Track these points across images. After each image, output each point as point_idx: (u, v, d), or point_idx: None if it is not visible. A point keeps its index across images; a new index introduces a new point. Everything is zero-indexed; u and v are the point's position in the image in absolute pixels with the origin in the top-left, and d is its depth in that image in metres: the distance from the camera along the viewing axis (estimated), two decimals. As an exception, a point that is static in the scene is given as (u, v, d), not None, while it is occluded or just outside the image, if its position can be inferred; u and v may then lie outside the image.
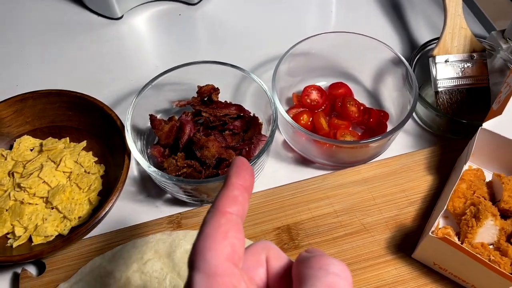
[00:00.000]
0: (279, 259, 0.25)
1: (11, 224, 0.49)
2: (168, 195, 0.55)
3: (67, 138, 0.56)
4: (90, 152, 0.55)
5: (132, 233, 0.50)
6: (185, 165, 0.51)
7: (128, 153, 0.50)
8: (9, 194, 0.50)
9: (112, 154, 0.55)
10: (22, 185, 0.50)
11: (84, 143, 0.55)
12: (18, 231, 0.49)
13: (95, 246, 0.49)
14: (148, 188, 0.56)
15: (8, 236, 0.49)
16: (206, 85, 0.57)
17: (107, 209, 0.47)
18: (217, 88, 0.57)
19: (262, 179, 0.56)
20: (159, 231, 0.50)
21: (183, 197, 0.53)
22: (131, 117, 0.51)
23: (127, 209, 0.54)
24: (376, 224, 0.50)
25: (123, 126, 0.52)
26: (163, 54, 0.71)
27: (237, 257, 0.23)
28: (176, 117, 0.57)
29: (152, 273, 0.47)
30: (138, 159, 0.48)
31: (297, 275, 0.23)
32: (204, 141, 0.52)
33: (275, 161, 0.58)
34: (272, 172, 0.57)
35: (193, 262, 0.22)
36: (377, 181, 0.53)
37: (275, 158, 0.58)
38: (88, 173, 0.53)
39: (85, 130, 0.56)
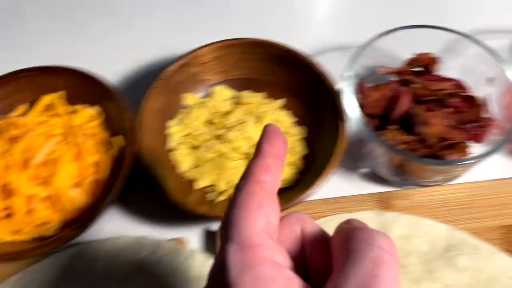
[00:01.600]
0: (314, 231, 0.23)
1: (213, 177, 0.46)
2: (364, 170, 0.50)
3: (265, 93, 0.52)
4: (289, 112, 0.51)
5: (336, 206, 0.46)
6: (405, 140, 0.45)
7: (342, 119, 0.46)
8: (210, 144, 0.48)
9: (314, 116, 0.50)
10: (224, 137, 0.47)
11: (283, 101, 0.51)
12: (220, 186, 0.46)
13: (297, 213, 0.46)
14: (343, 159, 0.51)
15: (207, 190, 0.47)
16: (425, 53, 0.50)
17: (325, 178, 0.43)
18: (437, 57, 0.50)
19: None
20: (366, 208, 0.46)
21: (385, 174, 0.48)
22: (351, 75, 0.46)
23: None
24: None
25: (331, 87, 0.48)
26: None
27: (272, 229, 0.21)
28: (383, 85, 0.51)
29: (363, 253, 0.43)
30: (359, 125, 0.44)
31: (338, 249, 0.21)
32: (428, 116, 0.46)
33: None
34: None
35: (226, 232, 0.21)
36: None
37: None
38: (288, 133, 0.49)
39: (285, 87, 0.52)
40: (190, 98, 0.51)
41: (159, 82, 0.48)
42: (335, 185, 0.49)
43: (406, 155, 0.43)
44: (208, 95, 0.52)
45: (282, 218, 0.24)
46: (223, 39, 0.51)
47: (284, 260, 0.21)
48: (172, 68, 0.49)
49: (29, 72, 0.49)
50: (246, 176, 0.23)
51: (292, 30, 0.62)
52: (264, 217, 0.21)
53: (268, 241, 0.21)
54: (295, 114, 0.51)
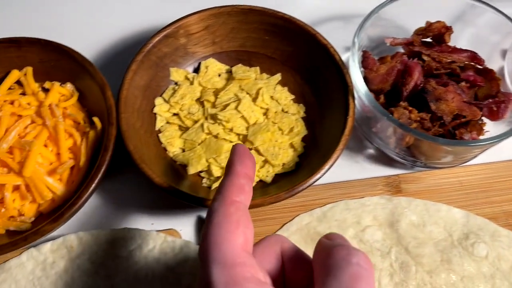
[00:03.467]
0: (293, 251, 0.25)
1: (207, 161, 0.42)
2: (370, 150, 0.46)
3: (257, 67, 0.47)
4: (286, 88, 0.46)
5: (342, 192, 0.42)
6: (418, 118, 0.41)
7: (351, 96, 0.41)
8: (202, 125, 0.43)
9: (315, 93, 0.45)
10: (218, 117, 0.42)
11: (278, 76, 0.46)
12: (216, 171, 0.41)
13: (300, 200, 0.42)
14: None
15: (202, 175, 0.42)
16: (437, 21, 0.46)
17: (331, 162, 0.38)
18: (450, 26, 0.46)
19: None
20: (374, 193, 0.42)
21: (395, 155, 0.44)
22: (357, 46, 0.41)
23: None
24: None
25: (339, 61, 0.43)
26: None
27: (249, 247, 0.22)
28: (389, 58, 0.47)
29: (373, 243, 0.39)
30: (366, 102, 0.39)
31: (319, 265, 0.22)
32: (442, 91, 0.41)
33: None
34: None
35: (207, 254, 0.21)
36: None
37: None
38: (287, 112, 0.45)
39: (280, 61, 0.47)
40: (177, 73, 0.46)
41: (142, 55, 0.43)
42: (339, 168, 0.44)
43: (422, 135, 0.38)
44: (197, 70, 0.47)
45: (261, 240, 0.25)
46: (213, 6, 0.45)
47: (264, 278, 0.22)
48: (155, 39, 0.44)
49: (-3, 44, 0.43)
50: (221, 197, 0.23)
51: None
52: (243, 236, 0.22)
53: (249, 259, 0.21)
54: (293, 90, 0.46)
